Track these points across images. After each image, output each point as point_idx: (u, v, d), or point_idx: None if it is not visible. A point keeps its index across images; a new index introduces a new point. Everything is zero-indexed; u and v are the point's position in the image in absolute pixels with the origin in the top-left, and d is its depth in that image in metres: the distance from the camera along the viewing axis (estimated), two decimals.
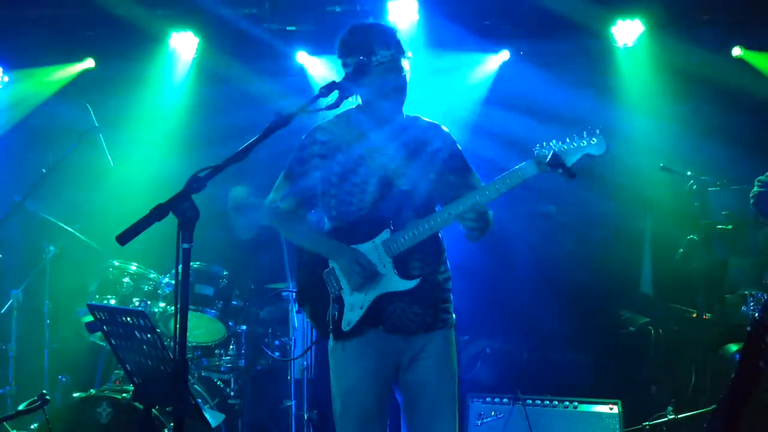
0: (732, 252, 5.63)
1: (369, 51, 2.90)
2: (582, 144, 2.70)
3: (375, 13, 6.20)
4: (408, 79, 3.02)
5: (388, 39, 2.95)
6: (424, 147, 3.02)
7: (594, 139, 2.70)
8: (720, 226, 5.51)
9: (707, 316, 5.41)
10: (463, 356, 6.02)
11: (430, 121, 3.13)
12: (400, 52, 2.97)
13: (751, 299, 4.96)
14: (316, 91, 2.74)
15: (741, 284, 5.47)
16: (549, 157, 2.67)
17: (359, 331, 2.98)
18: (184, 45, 6.41)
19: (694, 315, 5.49)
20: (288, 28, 6.45)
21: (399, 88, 2.98)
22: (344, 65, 2.98)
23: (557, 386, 5.83)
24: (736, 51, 6.09)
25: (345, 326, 2.98)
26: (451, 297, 3.13)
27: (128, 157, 5.76)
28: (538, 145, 2.77)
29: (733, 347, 5.07)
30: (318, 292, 3.05)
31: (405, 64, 2.99)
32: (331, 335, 3.01)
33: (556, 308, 6.10)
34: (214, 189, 2.52)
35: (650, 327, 5.93)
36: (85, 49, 6.41)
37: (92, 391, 4.42)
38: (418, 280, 2.92)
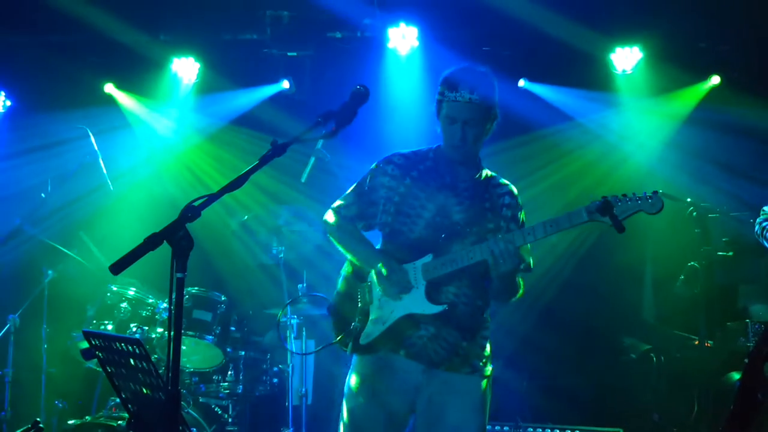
0: (733, 279, 5.61)
1: (453, 86, 2.95)
2: (637, 202, 2.76)
3: (376, 39, 6.26)
4: (481, 132, 3.00)
5: (477, 85, 2.94)
6: (492, 198, 3.05)
7: (650, 200, 2.75)
8: (721, 253, 5.49)
9: (709, 343, 5.37)
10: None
11: (507, 182, 3.14)
12: (484, 101, 2.95)
13: (757, 325, 4.92)
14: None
15: (752, 311, 5.43)
16: (599, 204, 2.72)
17: (377, 349, 2.96)
18: (185, 70, 6.45)
19: (696, 342, 5.46)
20: (289, 54, 6.50)
21: (464, 132, 2.95)
22: (437, 93, 3.04)
23: (558, 414, 5.79)
24: (715, 80, 6.14)
25: (363, 339, 2.97)
26: (488, 351, 3.05)
27: (128, 182, 5.78)
28: (602, 197, 2.80)
29: (736, 375, 5.02)
30: (350, 303, 3.08)
31: (484, 113, 2.96)
32: (350, 346, 3.01)
33: (557, 335, 6.07)
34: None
35: (652, 354, 5.89)
36: (90, 74, 6.45)
37: (87, 418, 4.39)
38: (443, 306, 2.90)
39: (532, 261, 3.06)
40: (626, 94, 6.30)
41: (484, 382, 3.00)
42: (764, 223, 3.94)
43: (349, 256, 3.16)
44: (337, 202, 3.19)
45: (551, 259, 6.29)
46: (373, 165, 3.15)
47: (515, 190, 3.12)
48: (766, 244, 3.86)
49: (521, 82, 6.41)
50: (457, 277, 2.94)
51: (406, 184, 3.05)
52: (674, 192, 5.44)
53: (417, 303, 2.93)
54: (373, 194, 3.10)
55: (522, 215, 3.10)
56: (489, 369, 3.05)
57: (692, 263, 5.41)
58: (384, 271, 2.95)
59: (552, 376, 6.07)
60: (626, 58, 6.17)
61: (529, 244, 2.95)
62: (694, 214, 5.23)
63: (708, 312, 5.36)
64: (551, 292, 6.20)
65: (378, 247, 3.11)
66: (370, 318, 2.99)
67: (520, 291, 3.08)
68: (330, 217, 3.19)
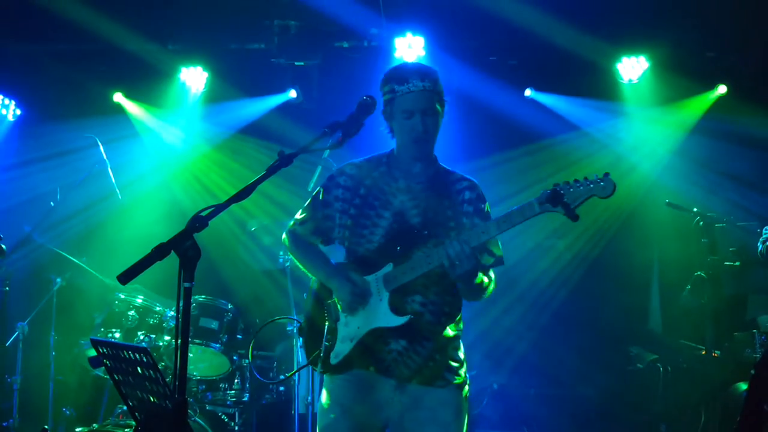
0: (740, 289, 5.59)
1: (401, 79, 2.88)
2: (589, 186, 2.64)
3: (382, 48, 6.29)
4: (438, 120, 2.92)
5: (424, 74, 2.89)
6: (450, 195, 2.96)
7: (601, 182, 2.63)
8: (728, 263, 5.47)
9: (716, 353, 5.34)
10: (471, 391, 5.96)
11: (464, 175, 3.05)
12: (435, 87, 2.89)
13: (763, 336, 4.90)
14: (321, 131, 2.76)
15: (759, 321, 5.41)
16: (548, 194, 2.64)
17: (347, 368, 2.89)
18: (193, 79, 6.49)
19: (703, 352, 5.43)
20: (296, 63, 6.53)
21: (425, 123, 2.88)
22: (382, 97, 2.95)
23: (565, 423, 5.77)
24: (722, 89, 6.13)
25: (333, 358, 2.91)
26: (462, 357, 2.96)
27: (137, 191, 5.81)
28: (553, 185, 2.71)
29: (743, 386, 4.99)
30: (317, 323, 3.01)
31: (437, 100, 2.90)
32: (319, 366, 2.94)
33: (564, 344, 6.06)
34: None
35: (659, 364, 5.86)
36: (99, 83, 6.50)
37: (95, 425, 4.40)
38: (408, 317, 2.81)
39: (501, 252, 2.97)
40: (633, 103, 6.31)
41: (458, 392, 2.91)
42: (761, 240, 3.87)
43: (309, 275, 3.10)
44: (294, 220, 3.13)
45: (558, 269, 6.30)
46: (326, 178, 3.09)
47: (476, 183, 3.02)
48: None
49: (528, 92, 6.43)
50: (421, 284, 2.85)
51: (360, 195, 2.98)
52: (681, 202, 5.44)
53: (381, 316, 2.84)
54: (328, 208, 3.03)
55: (487, 207, 2.99)
56: (462, 376, 2.94)
57: (699, 273, 5.39)
58: (343, 287, 2.87)
59: (559, 385, 6.06)
60: (633, 68, 6.18)
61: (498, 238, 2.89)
62: (701, 223, 5.22)
63: (715, 322, 5.33)
64: (558, 301, 6.20)
65: (342, 260, 3.03)
66: (339, 336, 2.90)
67: (491, 287, 2.96)
68: (287, 235, 3.14)
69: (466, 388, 2.95)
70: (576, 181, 2.67)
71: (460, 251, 2.69)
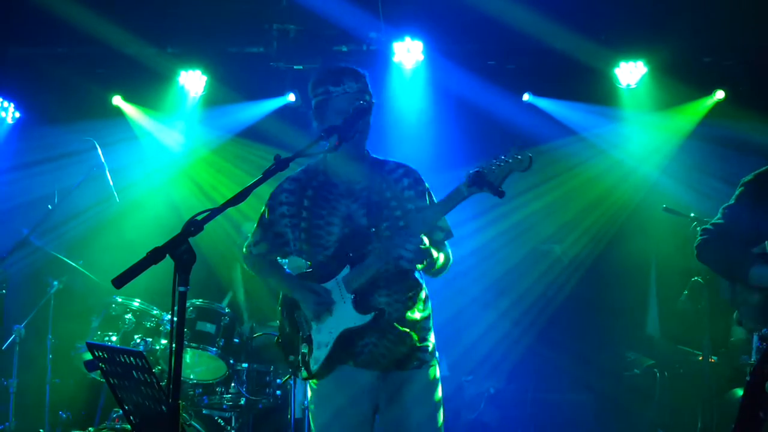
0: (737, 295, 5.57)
1: (336, 80, 2.94)
2: (508, 161, 2.70)
3: (381, 52, 6.30)
4: (369, 120, 3.00)
5: (357, 75, 2.97)
6: (390, 187, 3.05)
7: (518, 155, 2.69)
8: None
9: (713, 359, 5.35)
10: (467, 396, 5.97)
11: (398, 162, 3.14)
12: (366, 90, 2.99)
13: (759, 343, 4.89)
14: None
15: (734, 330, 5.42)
16: (471, 176, 2.71)
17: (328, 369, 2.99)
18: (192, 83, 6.50)
19: (700, 358, 5.43)
20: (295, 67, 6.54)
21: (361, 124, 2.94)
22: (314, 98, 3.01)
23: (561, 427, 5.77)
24: (719, 94, 6.15)
25: (313, 365, 3.00)
26: (430, 336, 3.10)
27: (135, 194, 5.81)
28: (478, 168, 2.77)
29: (740, 392, 4.98)
30: (291, 333, 3.11)
31: (366, 99, 2.97)
32: (302, 374, 3.04)
33: (561, 349, 6.06)
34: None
35: (656, 369, 5.87)
36: (98, 86, 6.50)
37: (91, 429, 4.39)
38: (372, 313, 2.92)
39: (448, 225, 3.07)
40: (630, 108, 6.32)
41: (432, 370, 3.06)
42: (696, 242, 3.66)
43: (277, 287, 3.22)
44: (247, 243, 3.22)
45: (554, 273, 6.30)
46: (268, 198, 3.15)
47: (410, 167, 3.11)
48: (703, 264, 3.64)
49: (526, 96, 6.44)
50: (381, 280, 2.95)
51: (306, 207, 3.06)
52: (678, 207, 5.44)
53: (348, 317, 2.95)
54: (276, 226, 3.11)
55: (426, 186, 3.08)
56: (435, 356, 3.10)
57: (696, 278, 5.39)
58: (307, 298, 2.98)
59: (555, 391, 6.06)
60: (631, 73, 6.19)
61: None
62: (698, 229, 5.21)
63: (712, 327, 5.34)
64: (555, 306, 6.20)
65: (304, 270, 3.13)
66: (314, 343, 3.01)
67: (450, 260, 3.08)
68: (247, 262, 3.26)
69: (437, 365, 3.10)
70: (495, 158, 2.73)
71: (416, 250, 2.82)
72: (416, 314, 3.05)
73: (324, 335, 2.99)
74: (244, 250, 3.25)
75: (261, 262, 3.22)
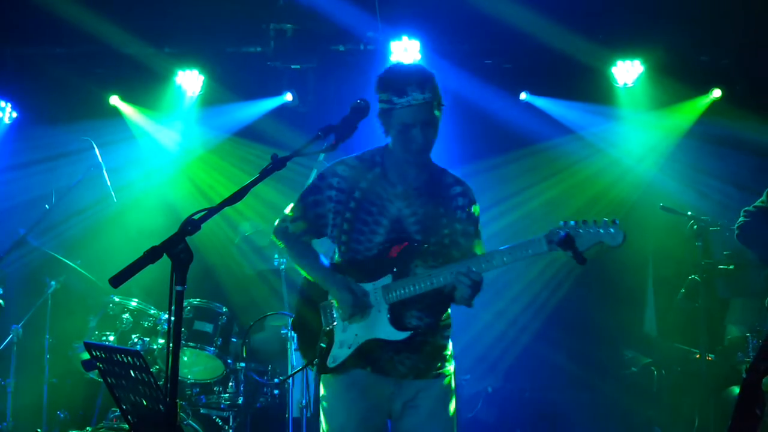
0: (734, 293, 5.60)
1: (400, 90, 2.82)
2: (599, 232, 2.60)
3: (378, 52, 6.30)
4: (437, 128, 2.90)
5: (423, 82, 2.83)
6: (445, 202, 2.96)
7: (611, 228, 2.60)
8: (722, 267, 5.49)
9: (710, 357, 5.36)
10: (465, 395, 5.98)
11: (457, 178, 3.04)
12: (435, 97, 2.85)
13: (754, 340, 4.92)
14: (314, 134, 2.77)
15: (742, 325, 5.43)
16: (561, 238, 2.61)
17: (344, 369, 2.94)
18: (189, 82, 6.50)
19: (698, 356, 5.44)
20: (293, 67, 6.54)
21: (425, 135, 2.85)
22: (378, 101, 2.91)
23: (559, 426, 5.78)
24: (716, 93, 6.16)
25: (331, 362, 2.95)
26: (450, 344, 3.06)
27: (132, 194, 5.80)
28: (561, 223, 2.67)
29: (737, 389, 4.98)
30: (312, 322, 3.05)
31: (437, 110, 2.87)
32: (317, 367, 2.99)
33: (558, 348, 6.07)
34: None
35: (653, 367, 5.88)
36: (96, 86, 6.50)
37: (89, 429, 4.39)
38: (408, 333, 2.86)
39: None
40: (627, 107, 6.33)
41: (447, 379, 3.03)
42: (740, 220, 3.85)
43: (304, 274, 3.10)
44: (284, 216, 3.08)
45: (551, 272, 6.30)
46: (317, 177, 3.05)
47: (468, 187, 3.02)
48: (741, 243, 3.78)
49: (523, 95, 6.45)
50: (418, 299, 2.87)
51: (355, 198, 2.96)
52: (675, 205, 5.46)
53: (381, 328, 2.88)
54: (319, 208, 3.01)
55: (476, 211, 3.00)
56: (452, 366, 3.06)
57: (693, 276, 5.41)
58: (345, 297, 2.89)
59: (552, 389, 6.07)
60: (627, 72, 6.20)
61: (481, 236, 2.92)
62: (695, 227, 5.23)
63: (709, 326, 5.35)
64: (552, 304, 6.20)
65: (334, 257, 3.06)
66: (336, 340, 2.95)
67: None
68: (279, 235, 3.11)
69: (454, 369, 3.08)
70: (585, 222, 2.63)
71: (477, 280, 2.73)
72: (441, 326, 3.01)
73: (349, 336, 2.93)
74: (278, 223, 3.09)
75: (296, 241, 3.06)
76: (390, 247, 2.91)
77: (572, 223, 2.64)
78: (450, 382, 3.04)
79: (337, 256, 3.07)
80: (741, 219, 3.80)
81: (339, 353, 2.95)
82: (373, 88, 2.94)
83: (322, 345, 2.96)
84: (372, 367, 2.94)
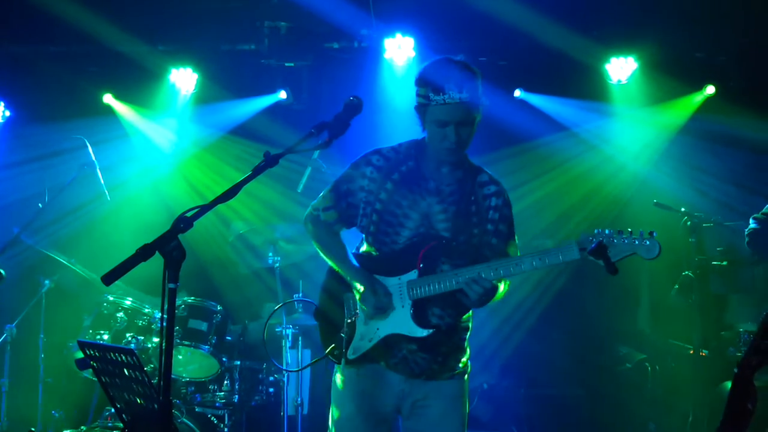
0: (727, 288, 5.63)
1: (438, 88, 2.81)
2: (634, 243, 2.60)
3: (372, 49, 6.30)
4: (475, 127, 2.89)
5: (463, 82, 2.82)
6: (477, 201, 2.94)
7: (647, 241, 2.59)
8: (715, 263, 5.51)
9: (704, 352, 5.38)
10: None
11: (492, 176, 3.02)
12: (473, 97, 2.85)
13: (746, 335, 4.94)
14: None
15: (740, 321, 5.45)
16: (593, 246, 2.59)
17: (361, 363, 2.95)
18: (183, 80, 6.48)
19: (691, 351, 5.46)
20: (287, 64, 6.53)
21: (459, 134, 2.83)
22: (416, 95, 2.91)
23: (554, 423, 5.79)
24: (710, 90, 6.18)
25: (351, 354, 2.95)
26: (467, 345, 3.04)
27: (126, 192, 5.79)
28: (596, 231, 2.65)
29: (731, 385, 5.02)
30: (335, 312, 3.04)
31: (474, 110, 2.87)
32: (341, 358, 2.98)
33: (553, 345, 6.08)
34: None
35: (647, 363, 5.90)
36: (89, 84, 6.48)
37: (83, 428, 4.39)
38: (431, 330, 2.85)
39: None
40: (621, 104, 6.34)
41: (461, 382, 3.02)
42: (751, 227, 3.94)
43: (331, 264, 3.08)
44: (316, 205, 3.08)
45: (546, 268, 6.31)
46: (350, 165, 3.03)
47: (503, 188, 3.00)
48: (752, 251, 3.87)
49: (517, 92, 6.45)
50: (441, 297, 2.87)
51: (387, 189, 2.94)
52: (668, 202, 5.47)
53: (403, 324, 2.87)
54: (351, 197, 3.00)
55: (509, 212, 2.99)
56: (468, 369, 3.05)
57: (687, 272, 5.42)
58: (367, 296, 2.89)
59: (548, 386, 6.08)
60: (621, 69, 6.21)
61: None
62: (689, 223, 5.25)
63: (703, 321, 5.37)
64: (546, 300, 6.21)
65: (361, 247, 3.05)
66: (357, 332, 2.95)
67: (505, 290, 2.98)
68: (310, 222, 3.10)
69: (468, 371, 3.04)
70: (620, 233, 2.62)
71: (488, 288, 2.73)
72: (460, 327, 3.00)
73: (371, 329, 2.92)
74: (311, 211, 3.08)
75: (327, 231, 3.06)
76: (418, 243, 2.89)
77: (607, 231, 2.63)
78: (463, 386, 3.02)
79: (364, 246, 3.06)
80: (751, 226, 3.88)
81: (360, 345, 2.95)
82: (415, 80, 2.92)
83: (344, 336, 2.97)
84: (386, 363, 2.94)
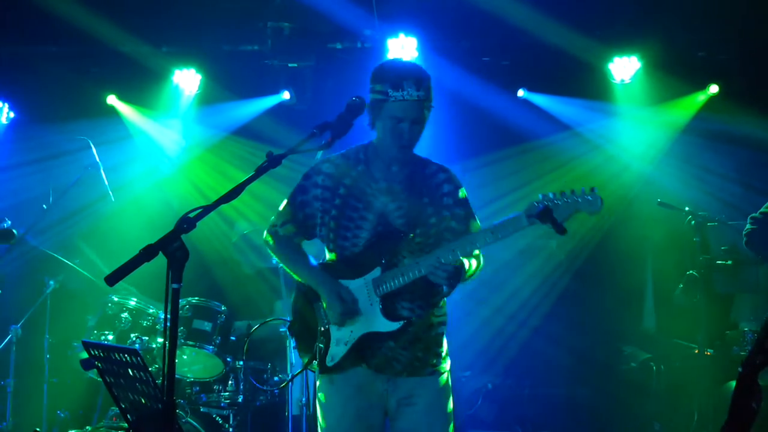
0: (732, 288, 5.61)
1: (397, 84, 2.86)
2: (577, 201, 2.64)
3: (376, 49, 6.30)
4: (423, 127, 2.95)
5: (420, 81, 2.87)
6: (430, 191, 2.99)
7: (589, 196, 2.64)
8: (719, 262, 5.50)
9: (709, 352, 5.37)
10: (465, 392, 5.99)
11: (440, 165, 3.07)
12: (428, 97, 2.90)
13: (751, 335, 4.93)
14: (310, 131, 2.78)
15: (745, 320, 5.44)
16: (539, 210, 2.65)
17: (342, 368, 2.96)
18: (187, 81, 6.50)
19: (696, 351, 5.45)
20: (290, 65, 6.54)
21: (412, 131, 2.90)
22: (371, 91, 2.94)
23: (559, 422, 5.79)
24: (713, 89, 6.16)
25: (329, 361, 2.97)
26: (445, 341, 3.07)
27: (130, 193, 5.80)
28: (540, 196, 2.71)
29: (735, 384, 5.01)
30: (308, 323, 3.06)
31: (427, 110, 2.92)
32: (316, 369, 3.02)
33: (558, 344, 6.07)
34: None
35: (652, 363, 5.88)
36: (93, 85, 6.49)
37: (88, 428, 4.40)
38: (401, 322, 2.90)
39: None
40: (624, 103, 6.33)
41: (443, 377, 3.04)
42: (747, 228, 3.94)
43: (295, 276, 3.13)
44: (274, 221, 3.13)
45: (550, 268, 6.31)
46: (302, 177, 3.08)
47: (451, 172, 3.06)
48: (750, 250, 3.88)
49: (520, 92, 6.44)
50: (408, 289, 2.91)
51: (340, 195, 3.00)
52: (673, 201, 5.46)
53: (375, 321, 2.91)
54: (307, 207, 3.05)
55: (462, 193, 3.04)
56: (448, 364, 3.08)
57: (691, 272, 5.41)
58: (333, 305, 2.92)
59: (552, 385, 6.07)
60: (624, 68, 6.20)
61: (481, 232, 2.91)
62: (693, 222, 5.24)
63: (707, 321, 5.36)
64: (551, 301, 6.21)
65: (326, 257, 3.08)
66: (332, 338, 2.97)
67: (479, 268, 3.04)
68: (270, 239, 3.14)
69: (449, 366, 3.08)
70: (563, 194, 2.67)
71: (451, 270, 2.79)
72: (435, 324, 3.03)
73: (344, 333, 2.95)
74: (269, 228, 3.13)
75: (287, 244, 3.10)
76: (377, 242, 2.94)
77: (550, 195, 2.69)
78: (446, 381, 3.05)
79: (327, 255, 3.10)
80: (748, 226, 3.89)
81: (336, 351, 2.97)
82: (368, 79, 2.96)
83: (320, 345, 2.99)
84: (368, 364, 2.96)
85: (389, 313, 2.92)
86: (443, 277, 2.81)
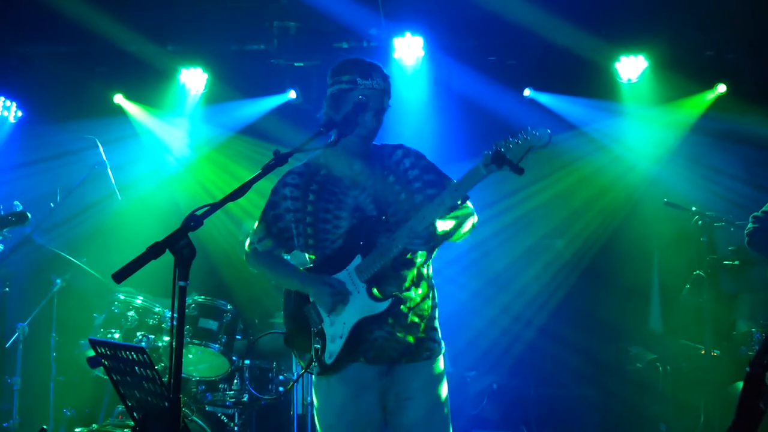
0: (739, 288, 5.59)
1: (366, 73, 2.93)
2: (526, 139, 2.67)
3: (382, 49, 6.31)
4: (383, 114, 3.01)
5: (372, 70, 2.95)
6: (393, 171, 3.03)
7: (536, 132, 2.67)
8: (727, 262, 5.48)
9: (715, 352, 5.35)
10: (470, 392, 5.98)
11: (393, 144, 3.13)
12: (388, 91, 2.99)
13: (758, 335, 4.91)
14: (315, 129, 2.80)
15: (752, 321, 5.42)
16: (492, 155, 2.67)
17: (340, 365, 2.96)
18: (193, 80, 6.51)
19: (703, 351, 5.43)
20: (296, 64, 6.55)
21: (377, 121, 2.97)
22: (338, 82, 2.98)
23: (564, 423, 5.78)
24: (721, 88, 6.14)
25: (328, 359, 2.97)
26: (438, 326, 3.09)
27: (136, 192, 5.82)
28: (493, 145, 2.73)
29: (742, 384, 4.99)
30: (302, 330, 3.08)
31: (382, 97, 2.98)
32: (315, 370, 3.02)
33: (564, 344, 6.06)
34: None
35: (658, 363, 5.87)
36: (100, 85, 6.51)
37: (95, 426, 4.41)
38: (390, 300, 2.91)
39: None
40: (631, 102, 6.31)
41: (438, 363, 3.06)
42: (750, 226, 3.92)
43: (281, 284, 3.18)
44: (251, 240, 3.16)
45: (556, 267, 6.30)
46: (271, 193, 3.12)
47: (407, 146, 3.09)
48: (751, 249, 3.86)
49: (527, 92, 6.43)
50: (391, 270, 2.94)
51: (311, 201, 3.03)
52: (680, 201, 5.45)
53: (364, 306, 2.92)
54: (280, 221, 3.08)
55: (424, 161, 3.06)
56: (443, 347, 3.09)
57: (698, 272, 5.39)
58: (322, 291, 2.94)
59: (558, 385, 6.06)
60: (631, 67, 6.18)
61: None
62: (700, 222, 5.22)
63: (714, 321, 5.34)
64: (556, 300, 6.20)
65: (308, 264, 3.11)
66: (327, 336, 2.98)
67: (471, 222, 3.05)
68: (250, 257, 3.19)
69: (442, 358, 3.09)
70: (512, 136, 2.70)
71: (426, 234, 2.82)
72: (425, 303, 3.04)
73: (338, 327, 2.96)
74: (247, 248, 3.18)
75: (267, 256, 3.15)
76: (353, 233, 2.97)
77: (501, 140, 2.71)
78: (441, 365, 3.07)
79: (308, 260, 3.13)
80: (750, 225, 3.86)
81: (333, 347, 2.97)
82: (332, 71, 3.01)
83: (317, 346, 3.00)
84: (365, 358, 2.96)
85: (375, 295, 2.92)
86: (420, 243, 2.84)
